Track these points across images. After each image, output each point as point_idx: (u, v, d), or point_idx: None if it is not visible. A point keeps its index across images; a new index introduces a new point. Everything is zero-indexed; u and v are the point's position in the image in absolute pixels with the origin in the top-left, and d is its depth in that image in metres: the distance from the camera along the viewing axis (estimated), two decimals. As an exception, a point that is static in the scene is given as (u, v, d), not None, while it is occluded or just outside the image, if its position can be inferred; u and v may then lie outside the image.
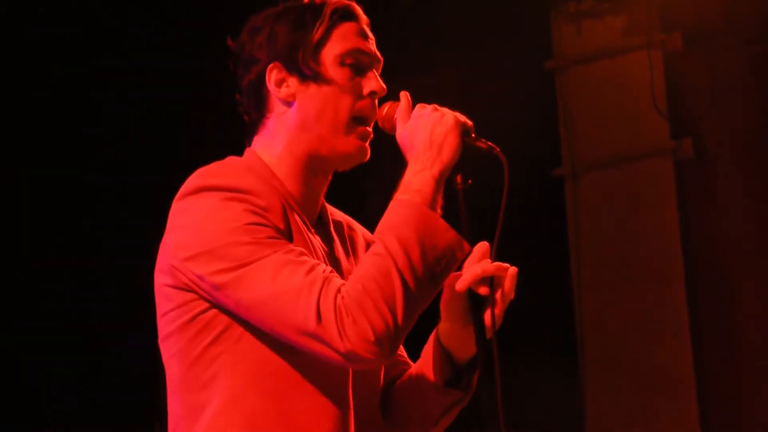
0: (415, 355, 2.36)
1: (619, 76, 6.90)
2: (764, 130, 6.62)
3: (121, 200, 6.13)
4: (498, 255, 2.11)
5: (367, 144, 2.24)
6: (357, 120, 2.22)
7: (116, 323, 5.92)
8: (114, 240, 6.02)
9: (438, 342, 2.22)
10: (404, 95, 2.21)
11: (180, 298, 2.12)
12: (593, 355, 6.83)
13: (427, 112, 2.14)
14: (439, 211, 2.09)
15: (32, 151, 5.99)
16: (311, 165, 2.23)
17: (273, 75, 2.24)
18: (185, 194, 2.11)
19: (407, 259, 1.97)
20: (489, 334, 2.10)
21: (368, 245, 2.21)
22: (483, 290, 2.08)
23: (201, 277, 2.06)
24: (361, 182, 2.44)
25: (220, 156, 2.24)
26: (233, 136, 2.36)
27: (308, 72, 2.21)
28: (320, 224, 2.30)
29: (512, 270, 2.10)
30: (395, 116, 2.19)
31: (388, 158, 2.19)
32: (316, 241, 2.21)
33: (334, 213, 2.37)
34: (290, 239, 2.09)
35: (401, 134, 2.15)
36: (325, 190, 2.30)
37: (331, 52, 2.22)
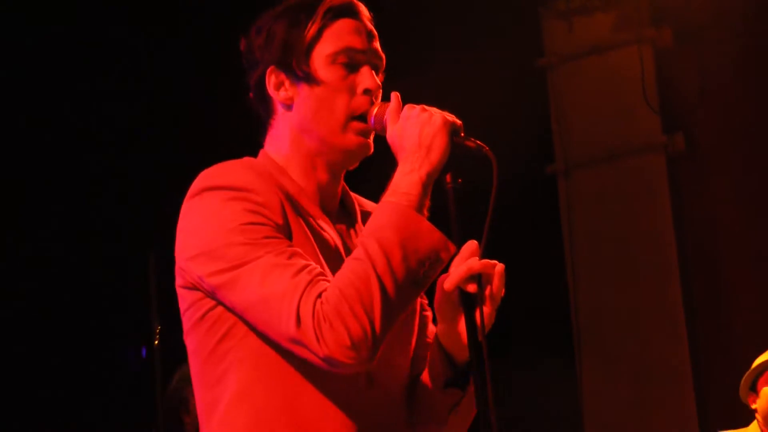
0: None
1: (610, 72, 6.92)
2: (755, 122, 6.64)
3: (122, 200, 6.13)
4: (493, 253, 2.11)
5: (368, 139, 2.23)
6: (354, 117, 2.22)
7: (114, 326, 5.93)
8: (112, 244, 6.03)
9: (437, 342, 2.23)
10: (394, 96, 2.19)
11: (190, 297, 2.16)
12: (590, 350, 6.85)
13: (415, 112, 2.13)
14: (425, 212, 2.09)
15: (34, 155, 6.01)
16: (318, 163, 2.24)
17: (272, 78, 2.24)
18: (190, 196, 2.15)
19: (387, 264, 1.99)
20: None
21: None
22: (471, 288, 2.08)
23: (201, 278, 2.10)
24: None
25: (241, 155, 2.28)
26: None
27: (300, 74, 2.21)
28: (344, 215, 2.30)
29: (499, 267, 2.10)
30: (385, 117, 2.18)
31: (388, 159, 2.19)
32: (332, 233, 2.22)
33: (365, 204, 2.38)
34: (289, 235, 2.11)
35: (391, 135, 2.15)
36: (341, 183, 2.30)
37: (322, 51, 2.21)
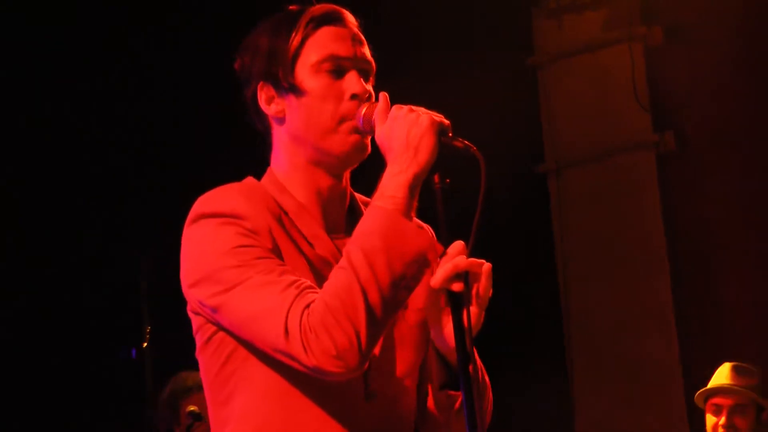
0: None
1: (600, 71, 6.92)
2: (746, 121, 6.65)
3: (113, 203, 6.13)
4: (483, 253, 2.11)
5: (362, 137, 2.22)
6: (344, 121, 2.21)
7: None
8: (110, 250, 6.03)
9: (432, 344, 2.23)
10: (383, 96, 2.19)
11: (196, 322, 2.22)
12: (580, 348, 6.86)
13: (402, 113, 2.12)
14: (412, 214, 2.09)
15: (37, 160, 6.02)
16: (316, 171, 2.25)
17: (263, 93, 2.25)
18: (188, 224, 2.20)
19: (370, 271, 2.00)
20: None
21: None
22: (456, 287, 2.08)
23: (201, 302, 2.15)
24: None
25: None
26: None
27: (287, 86, 2.22)
28: (352, 223, 2.27)
29: (486, 266, 2.10)
30: (373, 117, 2.18)
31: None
32: (330, 248, 2.21)
33: None
34: (280, 257, 2.13)
35: (379, 136, 2.14)
36: (344, 192, 2.30)
37: (306, 61, 2.21)
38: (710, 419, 4.71)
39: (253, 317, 2.06)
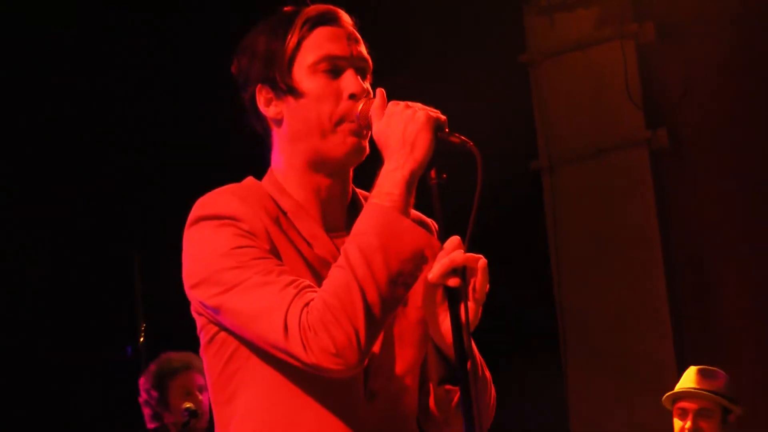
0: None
1: (593, 68, 6.93)
2: (738, 118, 6.66)
3: (107, 202, 6.13)
4: (478, 250, 2.11)
5: (361, 139, 2.22)
6: (343, 122, 2.21)
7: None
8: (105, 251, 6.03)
9: (431, 340, 2.24)
10: (380, 92, 2.18)
11: (199, 322, 2.24)
12: (575, 345, 6.86)
13: (399, 109, 2.12)
14: (409, 210, 2.09)
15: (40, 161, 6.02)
16: (314, 172, 2.25)
17: (261, 96, 2.26)
18: (187, 226, 2.21)
19: (368, 269, 2.01)
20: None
21: None
22: (452, 282, 2.08)
23: (203, 303, 2.17)
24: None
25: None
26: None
27: (285, 87, 2.22)
28: (354, 219, 2.26)
29: (483, 261, 2.10)
30: (370, 113, 2.18)
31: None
32: (329, 248, 2.22)
33: None
34: (278, 257, 2.15)
35: (376, 132, 2.14)
36: (345, 189, 2.30)
37: (303, 63, 2.21)
38: (677, 423, 4.73)
39: (253, 317, 2.07)
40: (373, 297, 2.01)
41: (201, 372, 4.27)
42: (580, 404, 6.80)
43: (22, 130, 6.02)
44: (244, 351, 2.16)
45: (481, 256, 2.11)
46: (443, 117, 2.14)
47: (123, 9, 5.99)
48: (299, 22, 2.23)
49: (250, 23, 2.33)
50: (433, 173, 2.12)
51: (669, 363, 6.50)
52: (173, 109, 6.06)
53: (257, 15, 2.34)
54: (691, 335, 6.61)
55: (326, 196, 2.27)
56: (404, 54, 5.99)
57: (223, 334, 2.18)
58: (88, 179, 6.11)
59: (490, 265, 2.12)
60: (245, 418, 2.17)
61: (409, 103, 2.15)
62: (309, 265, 2.19)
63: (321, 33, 2.23)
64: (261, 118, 2.29)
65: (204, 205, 2.20)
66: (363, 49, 2.27)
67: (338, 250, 2.18)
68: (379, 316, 2.03)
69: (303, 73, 2.22)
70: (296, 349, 2.02)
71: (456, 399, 2.23)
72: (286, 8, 2.29)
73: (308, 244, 2.21)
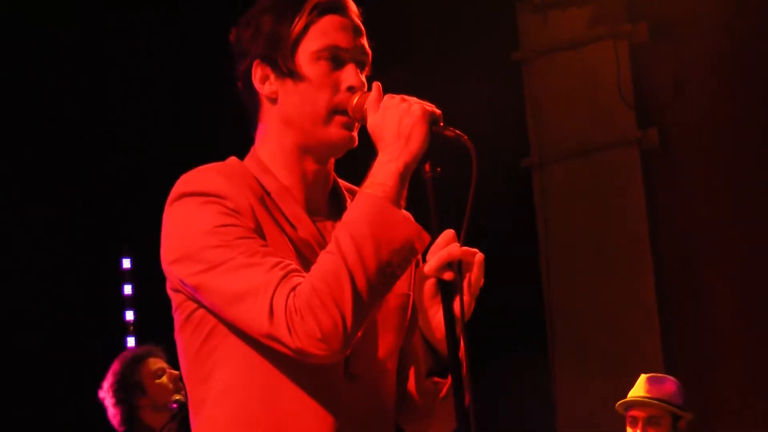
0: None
1: (585, 67, 6.94)
2: (729, 118, 6.68)
3: (96, 200, 6.12)
4: (467, 246, 2.12)
5: (352, 132, 2.23)
6: (337, 112, 2.22)
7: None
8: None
9: (420, 332, 2.24)
10: (376, 85, 2.19)
11: (176, 299, 2.21)
12: (563, 343, 6.88)
13: (395, 102, 2.13)
14: (402, 202, 2.10)
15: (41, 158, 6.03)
16: (302, 156, 2.26)
17: (258, 72, 2.25)
18: (170, 203, 2.19)
19: (358, 257, 2.01)
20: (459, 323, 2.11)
21: None
22: (447, 275, 2.09)
23: (181, 281, 2.14)
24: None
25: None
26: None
27: (285, 69, 2.22)
28: (333, 208, 2.31)
29: (479, 255, 2.11)
30: (365, 106, 2.19)
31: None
32: (312, 230, 2.22)
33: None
34: (262, 237, 2.13)
35: (371, 124, 2.15)
36: (328, 175, 2.31)
37: (307, 48, 2.22)
38: (629, 431, 4.77)
39: (236, 298, 2.05)
40: (362, 284, 2.01)
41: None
42: (567, 402, 6.82)
43: (8, 128, 6.01)
44: (223, 329, 2.14)
45: (477, 250, 2.12)
46: (438, 111, 2.15)
47: (123, 9, 5.98)
48: (309, 6, 2.23)
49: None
50: (427, 167, 2.13)
51: (656, 360, 6.52)
52: (173, 109, 6.07)
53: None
54: (680, 334, 6.63)
55: (312, 181, 2.27)
56: (398, 50, 5.99)
57: (201, 311, 2.16)
58: (88, 179, 6.12)
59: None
60: (222, 395, 2.15)
61: (405, 96, 2.16)
62: (294, 246, 2.18)
63: (328, 21, 2.23)
64: (253, 92, 2.28)
65: (188, 181, 2.17)
66: (365, 41, 2.28)
67: (320, 233, 2.21)
68: (367, 304, 2.03)
69: (305, 58, 2.22)
70: (281, 332, 2.01)
71: (443, 391, 2.23)
72: None
73: (292, 225, 2.21)
